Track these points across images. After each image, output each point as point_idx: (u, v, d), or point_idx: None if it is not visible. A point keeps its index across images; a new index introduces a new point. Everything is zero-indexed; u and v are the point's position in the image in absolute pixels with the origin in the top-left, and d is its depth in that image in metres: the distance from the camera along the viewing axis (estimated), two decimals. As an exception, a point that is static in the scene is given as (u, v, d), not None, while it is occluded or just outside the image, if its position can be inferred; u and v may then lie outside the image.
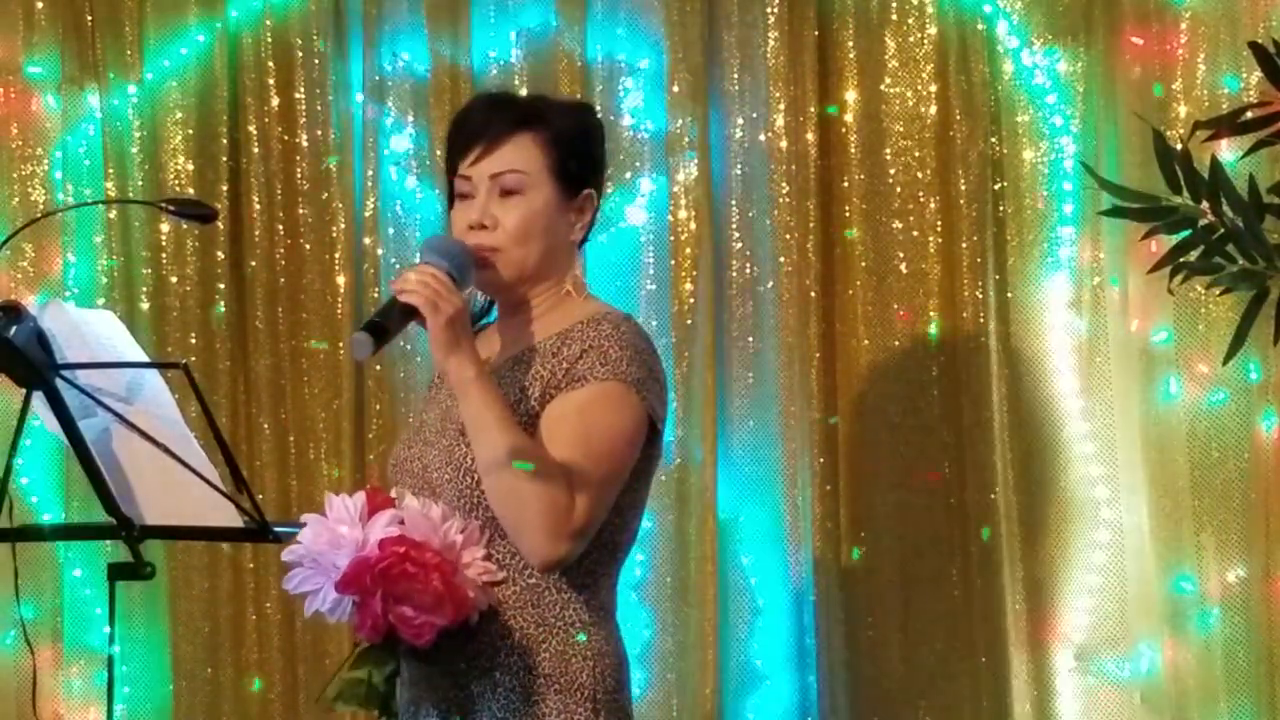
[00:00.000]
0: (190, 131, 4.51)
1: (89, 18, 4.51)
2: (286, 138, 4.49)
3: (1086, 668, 4.24)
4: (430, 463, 2.84)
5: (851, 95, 4.34)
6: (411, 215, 4.47)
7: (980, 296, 4.25)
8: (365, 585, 2.64)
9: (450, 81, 4.42)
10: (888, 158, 4.32)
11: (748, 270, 4.35)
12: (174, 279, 4.51)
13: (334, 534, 2.70)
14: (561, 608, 2.80)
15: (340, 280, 4.47)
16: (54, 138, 4.53)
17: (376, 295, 4.43)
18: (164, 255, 4.52)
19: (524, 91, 4.30)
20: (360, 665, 2.77)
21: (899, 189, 4.31)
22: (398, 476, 2.90)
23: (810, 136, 4.31)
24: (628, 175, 4.36)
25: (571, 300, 2.94)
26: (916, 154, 4.32)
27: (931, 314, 4.29)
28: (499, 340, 2.92)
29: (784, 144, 4.32)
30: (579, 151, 2.93)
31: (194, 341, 4.49)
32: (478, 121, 2.91)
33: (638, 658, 4.14)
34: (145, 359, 2.91)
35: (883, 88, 4.33)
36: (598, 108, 4.31)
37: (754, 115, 4.35)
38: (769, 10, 4.33)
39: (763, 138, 4.34)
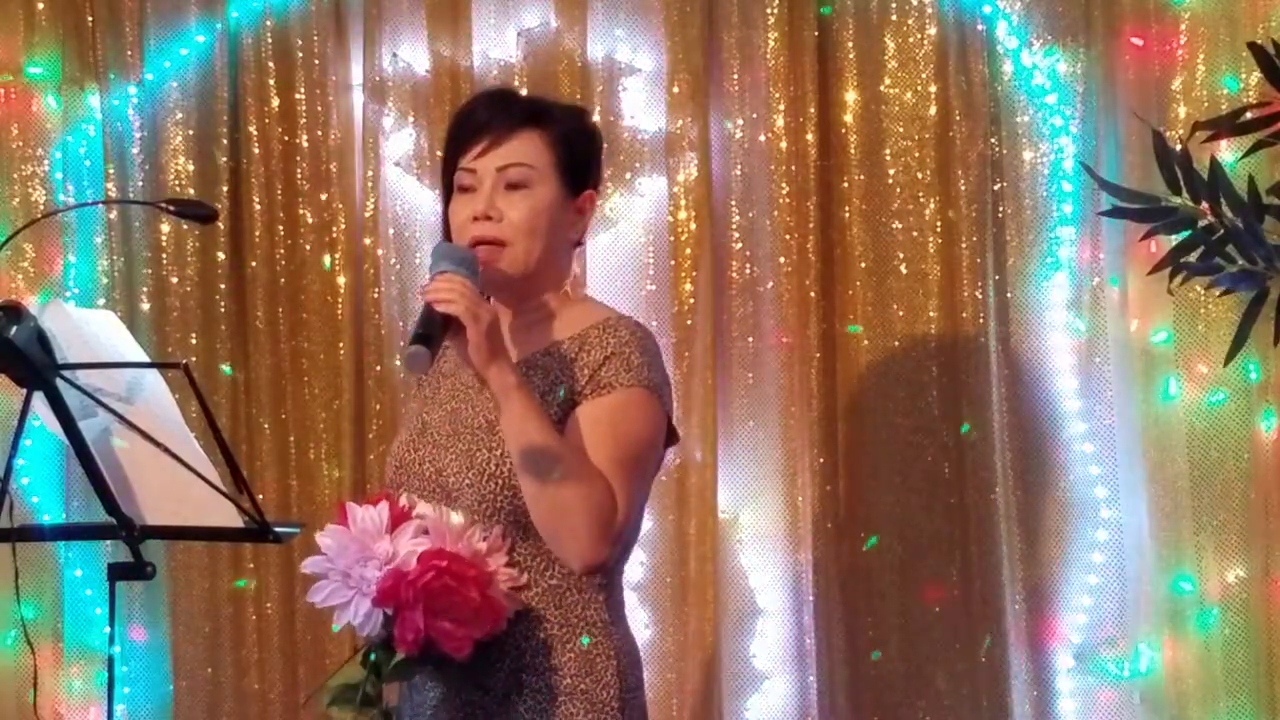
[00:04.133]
0: (190, 131, 4.52)
1: (89, 18, 4.52)
2: (286, 138, 4.50)
3: (1086, 668, 4.24)
4: (445, 466, 2.84)
5: (851, 95, 4.34)
6: (411, 215, 4.47)
7: (980, 297, 4.25)
8: (403, 598, 2.66)
9: (450, 81, 4.42)
10: (888, 158, 4.33)
11: (748, 270, 4.35)
12: (174, 279, 4.51)
13: (361, 546, 2.71)
14: (583, 608, 2.83)
15: (340, 280, 4.47)
16: (54, 138, 4.54)
17: (376, 295, 4.44)
18: (164, 255, 4.52)
19: (524, 92, 4.30)
20: (359, 671, 2.77)
21: (899, 189, 4.31)
22: (402, 479, 2.89)
23: (810, 136, 4.31)
24: (628, 175, 4.36)
25: (573, 302, 2.95)
26: (916, 154, 4.32)
27: (931, 314, 4.29)
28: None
29: (784, 144, 4.32)
30: (582, 152, 2.94)
31: (194, 341, 4.49)
32: (483, 116, 2.91)
33: (638, 658, 4.15)
34: (145, 359, 2.91)
35: (883, 88, 4.33)
36: (597, 108, 4.33)
37: (754, 115, 4.35)
38: (769, 10, 4.33)
39: (763, 138, 4.34)
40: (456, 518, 2.76)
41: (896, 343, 4.31)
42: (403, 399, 4.40)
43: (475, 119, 2.92)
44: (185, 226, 4.45)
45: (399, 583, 2.66)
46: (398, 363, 4.37)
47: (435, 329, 2.70)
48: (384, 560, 2.69)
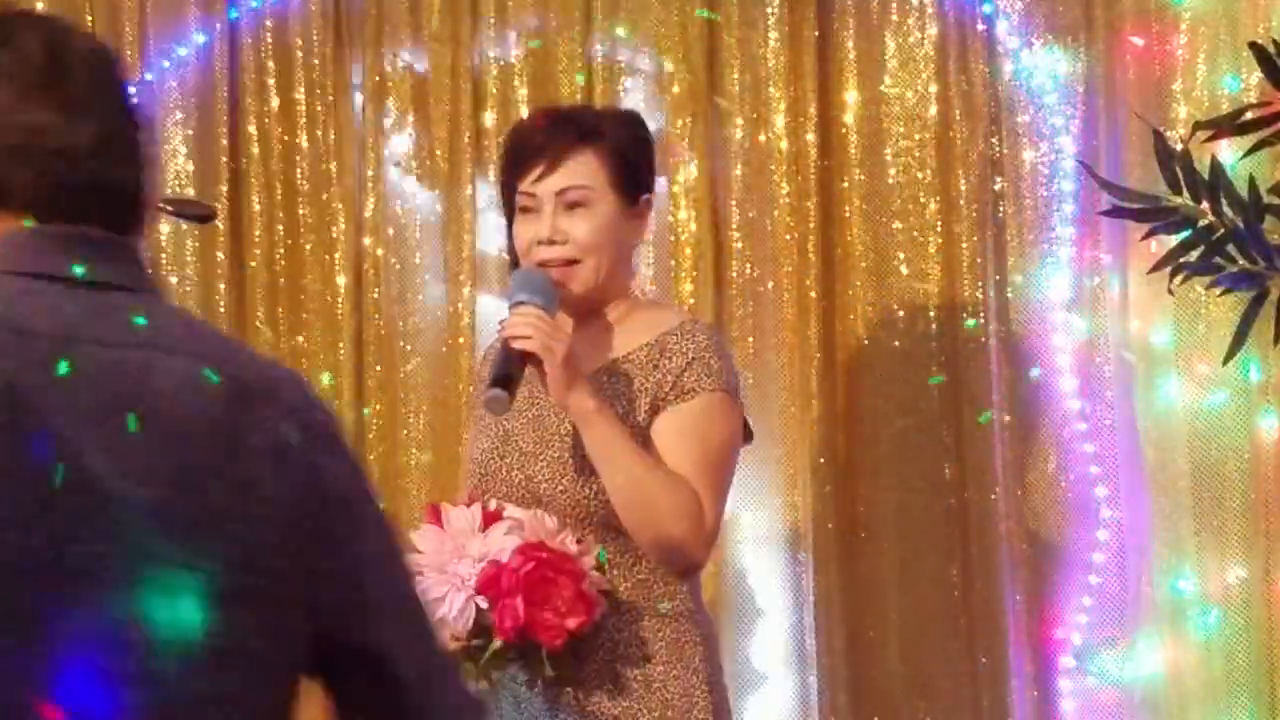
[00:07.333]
0: (190, 132, 4.51)
1: (89, 18, 4.51)
2: (286, 138, 4.49)
3: (1086, 668, 4.23)
4: (535, 474, 2.93)
5: (851, 95, 4.34)
6: (411, 215, 4.47)
7: (980, 297, 4.25)
8: (504, 587, 2.76)
9: (450, 81, 4.42)
10: (888, 158, 4.32)
11: (748, 270, 4.35)
12: (174, 279, 4.51)
13: (456, 544, 2.81)
14: (669, 599, 2.93)
15: (340, 280, 4.47)
16: (54, 138, 4.53)
17: (376, 295, 4.44)
18: (164, 255, 4.51)
19: (524, 92, 4.32)
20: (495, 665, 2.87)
21: (899, 189, 4.31)
22: (489, 487, 2.96)
23: (810, 136, 4.31)
24: (628, 175, 4.36)
25: (640, 306, 3.08)
26: (916, 154, 4.32)
27: (931, 314, 4.29)
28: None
29: (784, 144, 4.32)
30: (637, 161, 3.05)
31: (194, 341, 4.49)
32: (539, 139, 3.01)
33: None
34: (145, 359, 2.91)
35: (883, 88, 4.33)
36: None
37: (754, 115, 4.35)
38: (769, 10, 4.33)
39: (763, 138, 4.34)
40: (551, 520, 2.86)
41: (896, 343, 4.31)
42: (406, 400, 4.40)
43: (532, 142, 3.01)
44: (185, 226, 4.44)
45: (500, 571, 2.76)
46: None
47: (514, 368, 2.82)
48: (478, 557, 2.79)
